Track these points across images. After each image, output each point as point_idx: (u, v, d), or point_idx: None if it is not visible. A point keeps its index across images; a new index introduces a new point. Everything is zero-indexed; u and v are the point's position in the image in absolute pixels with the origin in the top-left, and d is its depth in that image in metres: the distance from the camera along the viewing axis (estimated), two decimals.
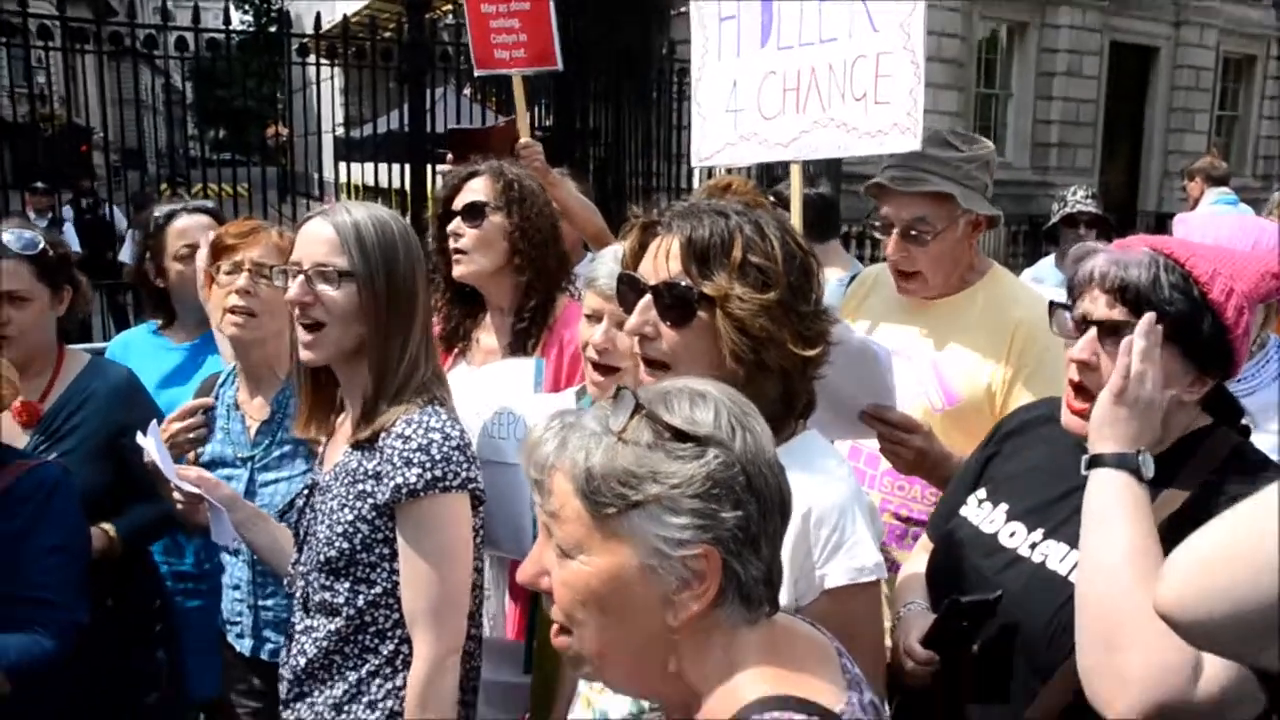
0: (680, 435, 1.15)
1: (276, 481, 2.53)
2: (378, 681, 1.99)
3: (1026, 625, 1.72)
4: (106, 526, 2.59)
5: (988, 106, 19.53)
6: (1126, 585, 1.47)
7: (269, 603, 2.50)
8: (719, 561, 1.14)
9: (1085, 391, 1.73)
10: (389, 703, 1.98)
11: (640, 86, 11.52)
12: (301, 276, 1.93)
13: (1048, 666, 1.67)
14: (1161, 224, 16.84)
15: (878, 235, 2.64)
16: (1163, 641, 1.32)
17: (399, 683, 1.98)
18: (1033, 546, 1.79)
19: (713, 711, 1.18)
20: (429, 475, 1.89)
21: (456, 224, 2.66)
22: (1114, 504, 1.57)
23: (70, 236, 9.31)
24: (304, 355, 1.98)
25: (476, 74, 3.69)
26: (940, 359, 2.55)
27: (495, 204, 2.65)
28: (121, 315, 8.83)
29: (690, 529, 1.13)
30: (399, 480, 1.89)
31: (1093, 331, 1.71)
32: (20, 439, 2.54)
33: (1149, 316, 1.62)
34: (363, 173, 14.39)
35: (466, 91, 10.84)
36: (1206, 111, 21.59)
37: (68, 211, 11.16)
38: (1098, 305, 1.70)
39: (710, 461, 1.14)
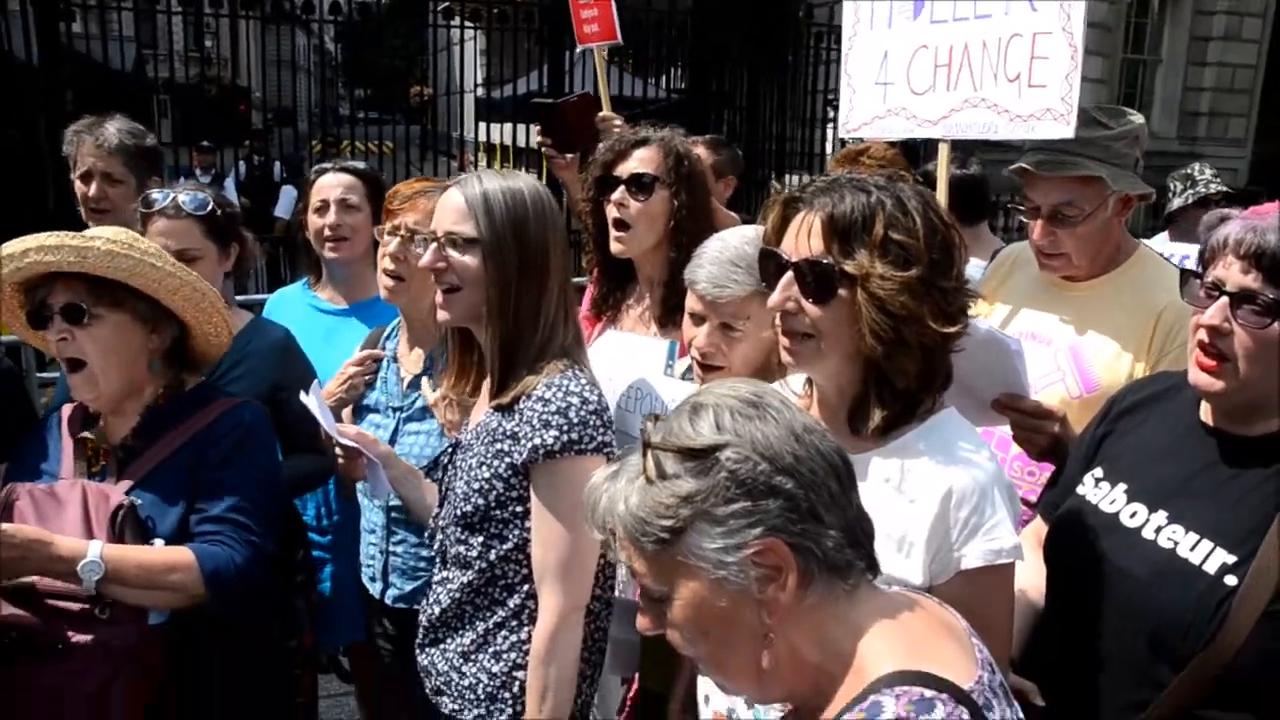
0: (688, 454, 1.19)
1: (417, 434, 2.63)
2: (503, 634, 2.06)
3: (1157, 613, 1.69)
4: None
5: (1134, 73, 18.45)
6: None
7: (398, 549, 2.61)
8: (785, 549, 1.18)
9: (1215, 351, 1.68)
10: (513, 655, 2.05)
11: (776, 51, 11.34)
12: (435, 244, 2.02)
13: (1182, 658, 1.65)
14: None
15: (1024, 219, 2.57)
16: None
17: (524, 636, 2.04)
18: (1157, 530, 1.75)
19: (845, 693, 1.20)
20: (566, 438, 1.94)
21: (621, 194, 2.58)
22: None
23: (230, 192, 9.86)
24: (440, 316, 2.07)
25: (578, 49, 3.76)
26: (1080, 345, 2.48)
27: (665, 179, 2.58)
28: (275, 268, 9.30)
29: (738, 531, 1.17)
30: (536, 441, 1.94)
31: (1225, 299, 1.66)
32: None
33: None
34: (501, 133, 14.71)
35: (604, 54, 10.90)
36: None
37: (240, 167, 11.76)
38: (1231, 272, 1.65)
39: (725, 464, 1.18)
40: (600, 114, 3.25)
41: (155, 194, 2.77)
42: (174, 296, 2.18)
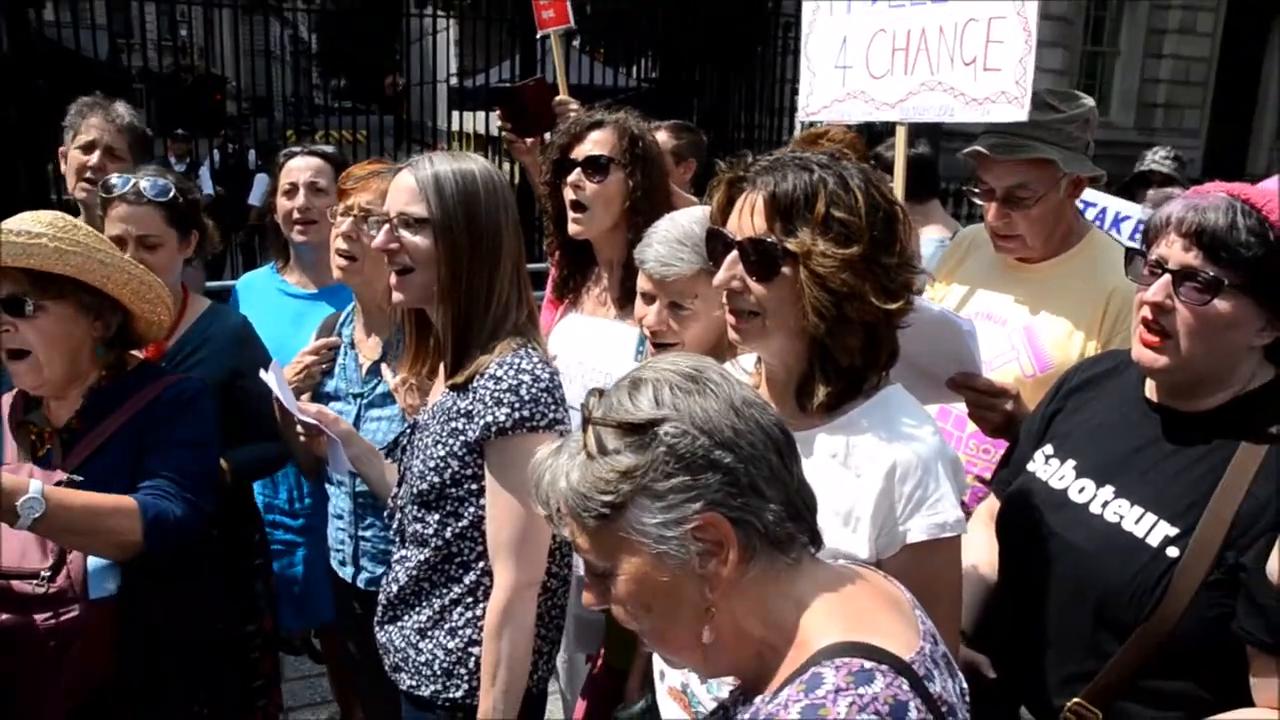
0: (628, 428, 1.19)
1: (380, 420, 2.64)
2: (459, 610, 2.08)
3: (1102, 584, 1.72)
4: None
5: (1094, 64, 18.88)
6: None
7: (368, 533, 2.62)
8: (726, 523, 1.18)
9: (1159, 328, 1.72)
10: (468, 631, 2.07)
11: (745, 41, 11.37)
12: (387, 225, 2.03)
13: (1127, 628, 1.68)
14: None
15: (977, 201, 2.61)
16: None
17: (479, 612, 2.05)
18: (1104, 505, 1.78)
19: (788, 666, 1.20)
20: (517, 415, 1.95)
21: (577, 176, 2.60)
22: None
23: (205, 181, 9.77)
24: (394, 297, 2.09)
25: (538, 35, 3.81)
26: (1034, 325, 2.52)
27: (620, 160, 2.60)
28: (250, 255, 9.26)
29: (678, 505, 1.17)
30: (489, 419, 1.96)
31: (1167, 276, 1.69)
32: None
33: None
34: (475, 122, 14.65)
35: (575, 43, 10.89)
36: None
37: (215, 155, 11.68)
38: (1173, 250, 1.68)
39: (664, 439, 1.18)
40: (557, 98, 3.26)
41: (114, 179, 2.72)
42: (122, 290, 2.19)
